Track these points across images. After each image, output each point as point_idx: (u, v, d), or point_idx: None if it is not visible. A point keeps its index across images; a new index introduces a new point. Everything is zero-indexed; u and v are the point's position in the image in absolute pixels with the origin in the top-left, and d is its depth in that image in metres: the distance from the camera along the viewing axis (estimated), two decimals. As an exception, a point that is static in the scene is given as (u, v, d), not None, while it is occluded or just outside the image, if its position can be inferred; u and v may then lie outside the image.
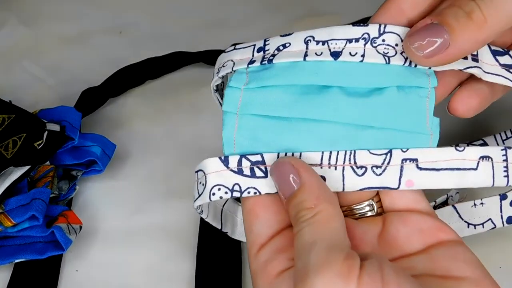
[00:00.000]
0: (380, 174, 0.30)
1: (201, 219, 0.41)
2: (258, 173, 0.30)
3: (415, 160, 0.30)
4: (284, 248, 0.30)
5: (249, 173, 0.30)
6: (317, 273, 0.25)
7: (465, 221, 0.38)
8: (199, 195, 0.31)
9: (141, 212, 0.43)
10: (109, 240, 0.42)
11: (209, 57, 0.55)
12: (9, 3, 0.63)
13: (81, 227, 0.40)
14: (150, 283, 0.39)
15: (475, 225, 0.38)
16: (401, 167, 0.30)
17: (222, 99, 0.34)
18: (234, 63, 0.32)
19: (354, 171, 0.30)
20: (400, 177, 0.30)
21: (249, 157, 0.31)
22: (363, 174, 0.30)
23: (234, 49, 0.33)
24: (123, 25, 0.60)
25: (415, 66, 0.30)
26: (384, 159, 0.30)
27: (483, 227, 0.38)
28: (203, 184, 0.31)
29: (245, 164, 0.31)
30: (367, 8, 0.61)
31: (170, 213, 0.43)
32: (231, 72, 0.32)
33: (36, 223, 0.39)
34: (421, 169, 0.30)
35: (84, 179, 0.45)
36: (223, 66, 0.33)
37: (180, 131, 0.49)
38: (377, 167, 0.30)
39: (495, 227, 0.37)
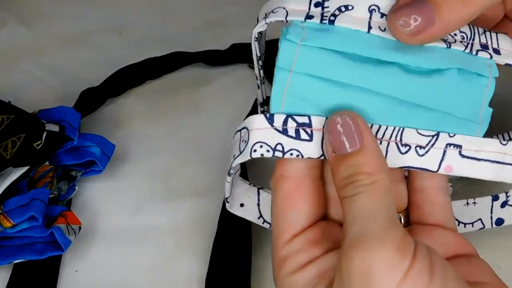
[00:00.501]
0: (423, 155, 0.30)
1: (219, 220, 0.41)
2: (303, 135, 0.29)
3: (459, 146, 0.30)
4: (317, 241, 0.29)
5: (293, 134, 0.29)
6: (378, 243, 0.25)
7: (456, 219, 0.37)
8: (240, 152, 0.30)
9: (141, 212, 0.43)
10: (108, 240, 0.42)
11: (209, 57, 0.55)
12: (9, 3, 0.63)
13: (80, 228, 0.40)
14: (150, 283, 0.39)
15: (465, 224, 0.37)
16: (444, 151, 0.30)
17: (258, 50, 0.33)
18: (287, 13, 0.30)
19: (398, 148, 0.30)
20: (441, 161, 0.30)
21: (295, 117, 0.29)
22: (406, 152, 0.30)
23: None
24: (123, 25, 0.60)
25: (476, 54, 0.30)
26: (429, 141, 0.30)
27: (472, 226, 0.37)
28: (245, 141, 0.30)
29: (291, 125, 0.29)
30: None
31: (170, 213, 0.43)
32: (283, 22, 0.30)
33: (35, 224, 0.39)
34: (463, 156, 0.30)
35: (84, 179, 0.45)
36: (272, 12, 0.31)
37: (180, 131, 0.49)
38: (421, 147, 0.30)
39: (484, 227, 0.37)
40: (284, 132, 0.29)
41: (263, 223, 0.36)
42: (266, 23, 0.31)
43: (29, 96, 0.52)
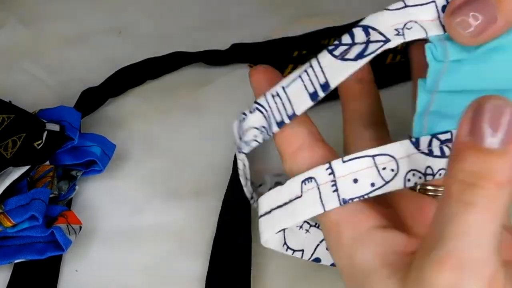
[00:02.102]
0: None
1: (218, 220, 0.41)
2: (447, 152, 0.27)
3: None
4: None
5: (439, 153, 0.27)
6: (476, 272, 0.22)
7: None
8: (386, 182, 0.27)
9: (141, 212, 0.43)
10: (109, 240, 0.42)
11: (209, 57, 0.55)
12: (9, 3, 0.63)
13: (81, 227, 0.40)
14: (150, 283, 0.39)
15: None
16: None
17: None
18: (424, 28, 0.27)
19: None
20: None
21: (439, 136, 0.27)
22: None
23: (405, 6, 0.27)
24: (123, 25, 0.60)
25: None
26: None
27: None
28: (393, 170, 0.27)
29: (435, 144, 0.27)
30: (367, 8, 0.61)
31: (170, 213, 0.43)
32: (424, 41, 0.27)
33: (35, 223, 0.39)
34: None
35: (84, 179, 0.45)
36: (406, 28, 0.27)
37: (180, 131, 0.49)
38: None
39: None
40: (430, 153, 0.27)
41: (286, 250, 0.34)
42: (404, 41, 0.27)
43: (29, 96, 0.52)
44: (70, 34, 0.59)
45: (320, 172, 0.27)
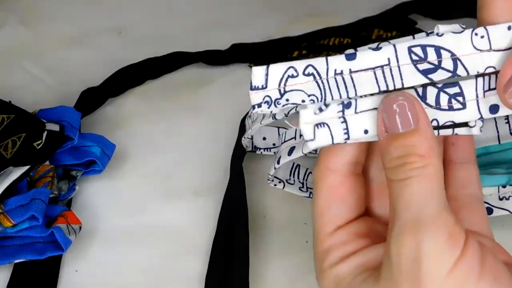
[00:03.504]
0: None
1: (218, 220, 0.41)
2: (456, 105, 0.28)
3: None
4: (362, 234, 0.29)
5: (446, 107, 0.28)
6: (430, 230, 0.25)
7: None
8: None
9: (141, 212, 0.43)
10: (108, 240, 0.42)
11: (209, 57, 0.55)
12: (9, 3, 0.63)
13: (80, 227, 0.40)
14: (150, 283, 0.39)
15: None
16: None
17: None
18: None
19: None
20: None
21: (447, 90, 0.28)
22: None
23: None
24: (123, 25, 0.60)
25: None
26: None
27: None
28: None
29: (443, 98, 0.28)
30: (367, 8, 0.61)
31: (170, 213, 0.43)
32: None
33: (35, 223, 0.39)
34: None
35: (84, 179, 0.45)
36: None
37: (180, 131, 0.49)
38: None
39: None
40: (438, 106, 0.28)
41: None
42: None
43: (29, 96, 0.52)
44: (70, 34, 0.59)
45: None
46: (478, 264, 0.25)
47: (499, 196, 0.39)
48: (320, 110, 0.28)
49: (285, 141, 0.33)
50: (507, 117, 0.37)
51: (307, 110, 0.28)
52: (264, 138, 0.43)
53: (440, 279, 0.25)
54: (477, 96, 0.28)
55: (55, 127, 0.43)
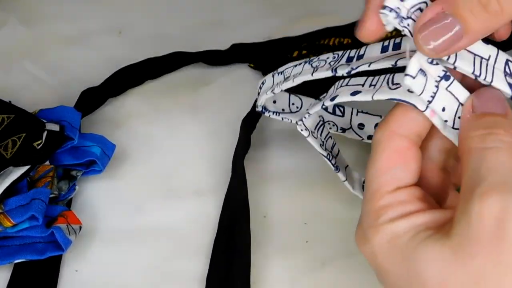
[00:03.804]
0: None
1: (219, 220, 0.41)
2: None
3: None
4: (422, 198, 0.30)
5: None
6: None
7: None
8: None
9: (141, 212, 0.43)
10: (108, 240, 0.42)
11: (209, 57, 0.55)
12: (9, 3, 0.63)
13: (80, 228, 0.40)
14: (150, 283, 0.39)
15: None
16: None
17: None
18: None
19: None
20: None
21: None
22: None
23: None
24: (123, 25, 0.60)
25: None
26: None
27: None
28: None
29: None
30: (367, 8, 0.61)
31: (170, 213, 0.43)
32: None
33: (35, 223, 0.39)
34: None
35: (84, 179, 0.45)
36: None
37: (180, 131, 0.49)
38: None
39: None
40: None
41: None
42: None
43: (29, 96, 0.52)
44: (70, 34, 0.59)
45: None
46: None
47: None
48: (432, 62, 0.29)
49: (346, 85, 0.33)
50: None
51: (422, 55, 0.29)
52: (275, 101, 0.43)
53: None
54: None
55: (55, 127, 0.43)
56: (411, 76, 0.29)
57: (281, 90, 0.37)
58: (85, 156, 0.43)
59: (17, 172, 0.40)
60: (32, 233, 0.39)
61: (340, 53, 0.32)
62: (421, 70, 0.29)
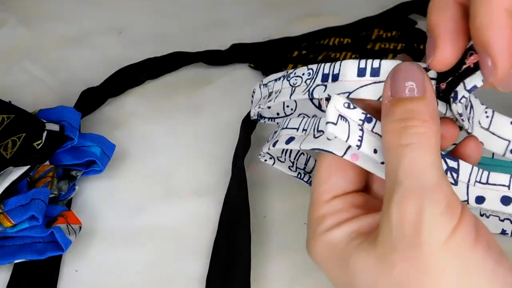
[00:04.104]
0: None
1: (219, 220, 0.41)
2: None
3: None
4: (357, 205, 0.30)
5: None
6: (431, 197, 0.26)
7: None
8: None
9: (141, 212, 0.43)
10: (108, 240, 0.42)
11: (209, 57, 0.55)
12: (9, 3, 0.63)
13: (80, 228, 0.40)
14: (150, 283, 0.39)
15: None
16: None
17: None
18: None
19: None
20: None
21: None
22: None
23: None
24: (123, 25, 0.61)
25: None
26: None
27: None
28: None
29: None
30: (367, 8, 0.61)
31: (170, 213, 0.43)
32: None
33: (35, 223, 0.39)
34: None
35: (84, 179, 0.45)
36: None
37: (180, 131, 0.49)
38: None
39: None
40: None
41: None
42: None
43: (29, 96, 0.52)
44: (70, 34, 0.59)
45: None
46: (474, 231, 0.26)
47: (480, 212, 0.39)
48: (349, 106, 0.30)
49: (286, 128, 0.34)
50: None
51: (340, 98, 0.30)
52: (269, 107, 0.43)
53: (439, 245, 0.26)
54: (469, 181, 0.30)
55: (55, 127, 0.43)
56: (332, 123, 0.29)
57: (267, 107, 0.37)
58: (85, 156, 0.43)
59: (17, 172, 0.40)
60: (32, 233, 0.39)
61: (314, 68, 0.32)
62: (341, 116, 0.29)
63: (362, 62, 0.30)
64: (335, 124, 0.29)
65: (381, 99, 0.29)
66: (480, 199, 0.30)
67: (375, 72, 0.30)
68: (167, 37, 0.59)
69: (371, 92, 0.30)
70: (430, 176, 0.27)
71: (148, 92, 0.53)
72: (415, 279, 0.26)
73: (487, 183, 0.30)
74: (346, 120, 0.30)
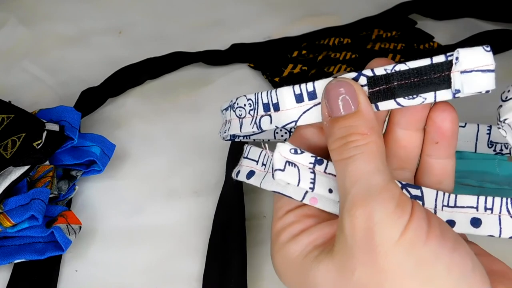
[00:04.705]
0: None
1: (214, 219, 0.41)
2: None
3: None
4: (310, 215, 0.31)
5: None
6: (379, 201, 0.26)
7: None
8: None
9: (141, 212, 0.43)
10: (108, 240, 0.42)
11: (209, 57, 0.55)
12: (9, 3, 0.63)
13: (80, 228, 0.40)
14: (150, 283, 0.39)
15: None
16: None
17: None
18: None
19: None
20: None
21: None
22: None
23: None
24: (123, 25, 0.61)
25: None
26: None
27: None
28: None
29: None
30: (366, 8, 0.61)
31: (170, 213, 0.43)
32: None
33: (35, 223, 0.39)
34: None
35: (84, 179, 0.45)
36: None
37: (180, 131, 0.49)
38: None
39: None
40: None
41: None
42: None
43: (29, 96, 0.52)
44: (70, 34, 0.59)
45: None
46: (425, 223, 0.27)
47: None
48: (296, 152, 0.30)
49: (247, 158, 0.34)
50: (489, 128, 0.38)
51: (285, 145, 0.30)
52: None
53: (392, 244, 0.26)
54: (435, 207, 0.31)
55: (55, 127, 0.43)
56: (279, 170, 0.29)
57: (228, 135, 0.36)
58: (85, 156, 0.43)
59: (17, 172, 0.40)
60: (32, 233, 0.39)
61: (253, 98, 0.32)
62: (289, 162, 0.30)
63: (297, 87, 0.30)
64: (283, 170, 0.30)
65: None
66: (450, 223, 0.30)
67: (312, 95, 0.30)
68: (167, 37, 0.59)
69: (314, 115, 0.30)
70: (375, 181, 0.27)
71: (148, 92, 0.53)
72: (374, 281, 0.26)
73: (455, 206, 0.30)
74: (295, 165, 0.30)
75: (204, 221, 0.42)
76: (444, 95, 0.28)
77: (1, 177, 0.40)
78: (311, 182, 0.30)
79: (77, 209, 0.43)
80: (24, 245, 0.39)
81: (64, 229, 0.39)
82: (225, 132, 0.34)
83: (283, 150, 0.30)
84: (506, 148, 0.38)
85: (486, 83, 0.27)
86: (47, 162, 0.42)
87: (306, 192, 0.30)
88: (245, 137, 0.39)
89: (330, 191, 0.30)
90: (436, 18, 0.59)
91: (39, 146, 0.41)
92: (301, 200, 0.30)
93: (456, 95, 0.28)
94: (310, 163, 0.30)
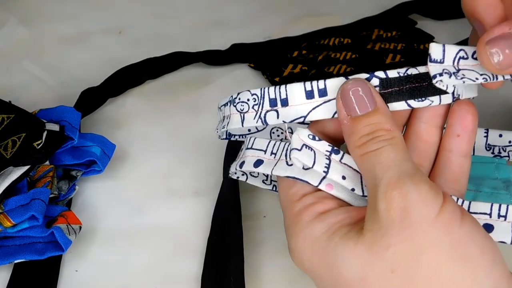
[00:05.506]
0: None
1: (211, 223, 0.41)
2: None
3: None
4: (329, 197, 0.31)
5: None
6: (413, 181, 0.27)
7: None
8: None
9: (141, 212, 0.43)
10: (108, 240, 0.42)
11: (209, 57, 0.55)
12: (9, 3, 0.63)
13: (80, 228, 0.40)
14: (150, 283, 0.39)
15: None
16: None
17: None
18: None
19: None
20: None
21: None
22: None
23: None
24: (123, 25, 0.61)
25: None
26: None
27: None
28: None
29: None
30: (367, 8, 0.61)
31: (170, 213, 0.43)
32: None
33: (35, 223, 0.39)
34: None
35: (84, 179, 0.45)
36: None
37: (180, 131, 0.49)
38: None
39: None
40: None
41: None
42: None
43: (29, 96, 0.52)
44: (70, 34, 0.59)
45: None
46: (459, 210, 0.28)
47: None
48: (314, 138, 0.31)
49: (251, 148, 0.34)
50: (486, 131, 0.38)
51: (304, 130, 0.31)
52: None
53: (429, 222, 0.27)
54: None
55: (55, 127, 0.43)
56: (296, 149, 0.30)
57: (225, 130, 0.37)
58: (85, 156, 0.43)
59: (17, 172, 0.40)
60: (32, 233, 0.39)
61: (258, 93, 0.32)
62: (306, 146, 0.31)
63: (308, 84, 0.31)
64: (299, 150, 0.30)
65: (335, 116, 0.31)
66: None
67: (323, 92, 0.31)
68: (167, 37, 0.59)
69: (324, 111, 0.31)
70: (407, 166, 0.28)
71: (148, 92, 0.53)
72: (409, 257, 0.27)
73: (468, 212, 0.31)
74: (312, 149, 0.31)
75: (204, 221, 0.42)
76: (447, 99, 0.31)
77: (1, 177, 0.40)
78: (325, 167, 0.31)
79: (77, 209, 0.43)
80: (24, 245, 0.39)
81: (64, 229, 0.39)
82: (223, 128, 0.34)
83: (302, 134, 0.31)
84: (504, 151, 0.38)
85: (476, 90, 0.33)
86: (47, 162, 0.42)
87: (322, 178, 0.31)
88: (241, 136, 0.39)
89: (344, 178, 0.31)
90: (436, 18, 0.59)
91: (39, 146, 0.41)
92: (317, 185, 0.31)
93: (455, 99, 0.31)
94: (327, 151, 0.31)
